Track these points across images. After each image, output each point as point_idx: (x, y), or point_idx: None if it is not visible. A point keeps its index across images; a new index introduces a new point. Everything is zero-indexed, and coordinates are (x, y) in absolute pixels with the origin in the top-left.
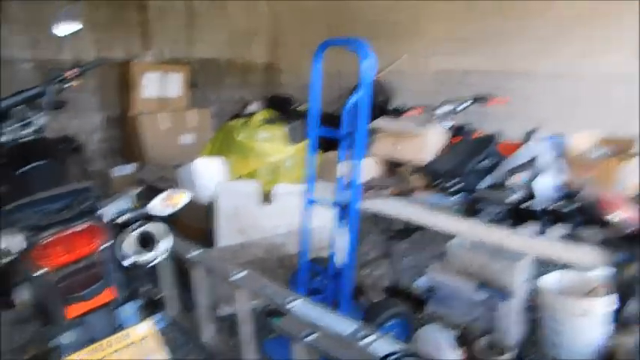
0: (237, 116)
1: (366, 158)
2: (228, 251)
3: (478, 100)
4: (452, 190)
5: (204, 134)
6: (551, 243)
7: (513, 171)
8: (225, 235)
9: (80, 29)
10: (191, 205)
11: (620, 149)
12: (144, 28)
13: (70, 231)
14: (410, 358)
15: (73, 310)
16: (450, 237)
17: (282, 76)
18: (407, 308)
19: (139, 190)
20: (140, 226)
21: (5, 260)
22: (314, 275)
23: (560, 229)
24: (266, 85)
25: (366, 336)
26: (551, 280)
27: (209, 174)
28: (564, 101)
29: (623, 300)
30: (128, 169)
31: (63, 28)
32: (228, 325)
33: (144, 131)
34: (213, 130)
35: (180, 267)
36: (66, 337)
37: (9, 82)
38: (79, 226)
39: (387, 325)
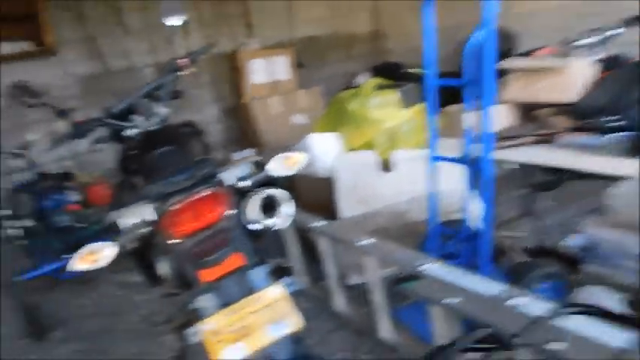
0: (346, 89)
1: (495, 105)
2: (352, 222)
3: (632, 22)
4: (609, 127)
5: (315, 113)
6: None
7: None
8: (347, 207)
9: (187, 21)
10: (309, 181)
11: None
12: (246, 18)
13: (195, 197)
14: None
15: (207, 275)
16: (606, 187)
17: (389, 42)
18: (559, 269)
19: (256, 158)
20: (262, 191)
21: (142, 231)
22: (446, 239)
23: None
24: (372, 54)
25: (515, 297)
26: None
27: (324, 148)
28: None
29: None
30: (246, 153)
31: (171, 20)
32: (358, 294)
33: (257, 116)
34: (324, 108)
35: (306, 240)
36: (203, 301)
37: (132, 87)
38: (203, 192)
39: (535, 289)
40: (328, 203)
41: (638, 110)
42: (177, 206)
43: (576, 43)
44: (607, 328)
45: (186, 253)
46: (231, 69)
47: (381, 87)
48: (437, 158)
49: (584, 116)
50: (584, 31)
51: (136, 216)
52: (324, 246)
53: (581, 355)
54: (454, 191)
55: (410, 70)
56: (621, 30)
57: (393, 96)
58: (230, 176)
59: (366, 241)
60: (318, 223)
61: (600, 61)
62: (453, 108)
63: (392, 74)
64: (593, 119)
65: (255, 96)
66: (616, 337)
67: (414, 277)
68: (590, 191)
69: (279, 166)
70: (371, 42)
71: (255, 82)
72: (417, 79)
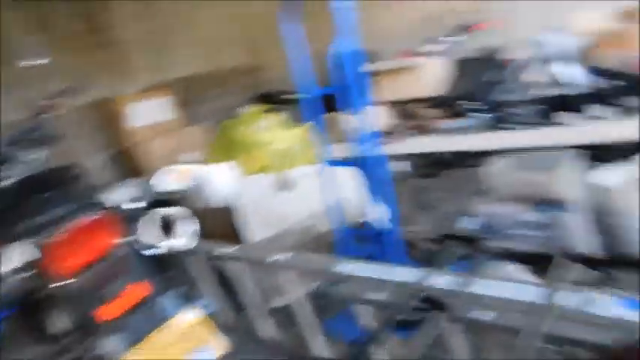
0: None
1: (371, 107)
2: (263, 243)
3: (461, 30)
4: (470, 110)
5: (204, 149)
6: (597, 125)
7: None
8: (253, 232)
9: (46, 62)
10: (210, 213)
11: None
12: (120, 64)
13: (77, 226)
14: None
15: (108, 313)
16: (482, 169)
17: (268, 73)
18: (463, 250)
19: (147, 179)
20: (156, 211)
21: (25, 275)
22: (357, 243)
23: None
24: (253, 86)
25: (431, 276)
26: (610, 175)
27: (219, 178)
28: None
29: None
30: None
31: (28, 61)
32: (285, 315)
33: (143, 161)
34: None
35: (217, 271)
36: (109, 343)
37: None
38: (85, 219)
39: None
40: (233, 232)
41: (485, 91)
42: (60, 238)
43: (427, 48)
44: (519, 286)
45: (79, 293)
46: (112, 115)
47: (265, 112)
48: (330, 163)
49: (446, 105)
50: (432, 37)
51: (15, 258)
52: (239, 271)
53: (505, 316)
54: (356, 196)
55: (287, 96)
56: (463, 37)
57: (279, 118)
58: (114, 199)
59: (281, 257)
60: (230, 249)
61: (453, 60)
62: (335, 115)
63: (274, 101)
64: (455, 106)
65: (138, 140)
66: (527, 292)
67: (335, 282)
68: (471, 173)
69: (168, 179)
70: (250, 75)
71: (137, 126)
72: (295, 101)
